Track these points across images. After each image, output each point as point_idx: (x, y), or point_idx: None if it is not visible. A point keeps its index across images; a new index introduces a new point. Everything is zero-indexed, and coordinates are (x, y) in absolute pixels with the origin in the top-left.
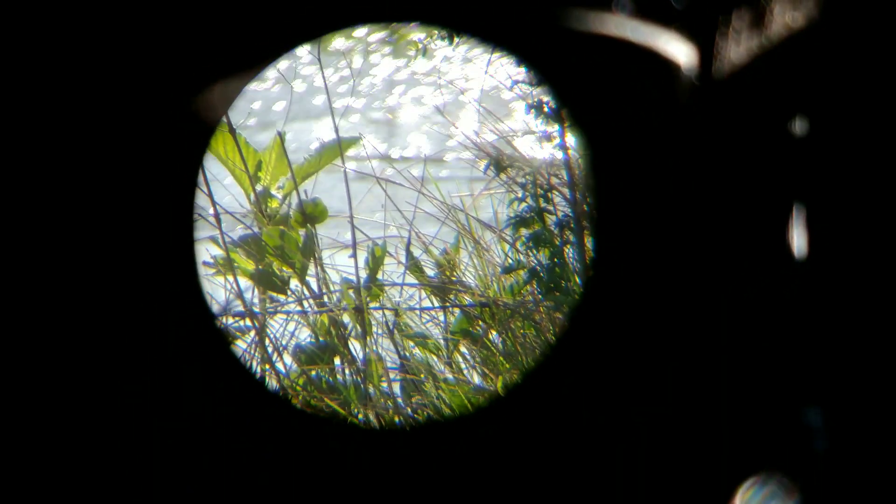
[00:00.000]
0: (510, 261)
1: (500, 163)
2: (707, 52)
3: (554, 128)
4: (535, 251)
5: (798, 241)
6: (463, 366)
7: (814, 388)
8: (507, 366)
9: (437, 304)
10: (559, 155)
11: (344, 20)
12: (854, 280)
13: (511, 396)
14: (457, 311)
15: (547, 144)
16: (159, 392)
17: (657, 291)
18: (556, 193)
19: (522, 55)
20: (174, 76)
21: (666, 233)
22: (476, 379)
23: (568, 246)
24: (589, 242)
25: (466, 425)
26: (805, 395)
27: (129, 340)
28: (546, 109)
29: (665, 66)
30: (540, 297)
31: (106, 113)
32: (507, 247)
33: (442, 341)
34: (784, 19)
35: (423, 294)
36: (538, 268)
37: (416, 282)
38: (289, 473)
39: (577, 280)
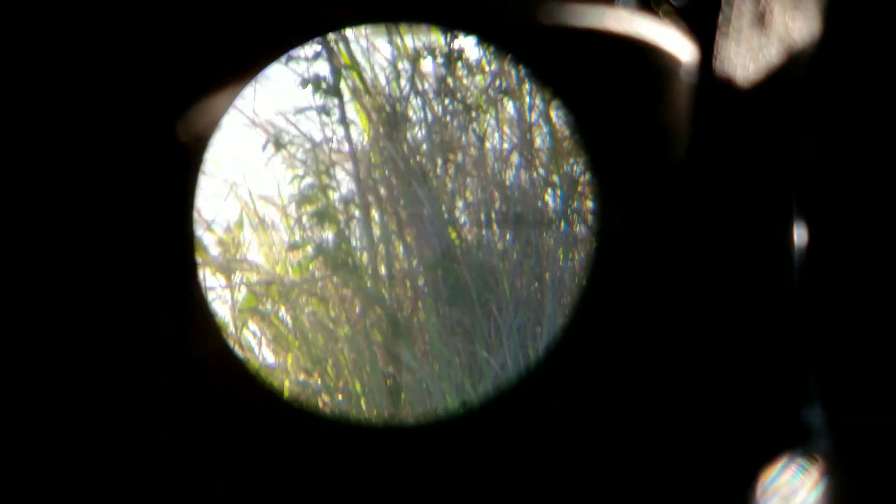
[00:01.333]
0: (295, 238)
1: (278, 140)
2: (707, 49)
3: (333, 102)
4: (320, 228)
5: (798, 240)
6: (252, 343)
7: (814, 388)
8: (297, 343)
9: (222, 284)
10: (340, 130)
11: (344, 19)
12: (854, 280)
13: (510, 395)
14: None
15: (326, 119)
16: (158, 391)
17: (656, 291)
18: (340, 169)
19: (519, 55)
20: (171, 75)
21: (665, 232)
22: (267, 356)
23: (353, 221)
24: (375, 216)
25: (466, 424)
26: (805, 394)
27: (128, 341)
28: (323, 85)
29: (665, 63)
30: (328, 272)
31: (102, 119)
32: (291, 222)
33: (229, 319)
34: (784, 19)
35: (207, 273)
36: (323, 244)
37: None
38: (287, 472)
39: (364, 257)
